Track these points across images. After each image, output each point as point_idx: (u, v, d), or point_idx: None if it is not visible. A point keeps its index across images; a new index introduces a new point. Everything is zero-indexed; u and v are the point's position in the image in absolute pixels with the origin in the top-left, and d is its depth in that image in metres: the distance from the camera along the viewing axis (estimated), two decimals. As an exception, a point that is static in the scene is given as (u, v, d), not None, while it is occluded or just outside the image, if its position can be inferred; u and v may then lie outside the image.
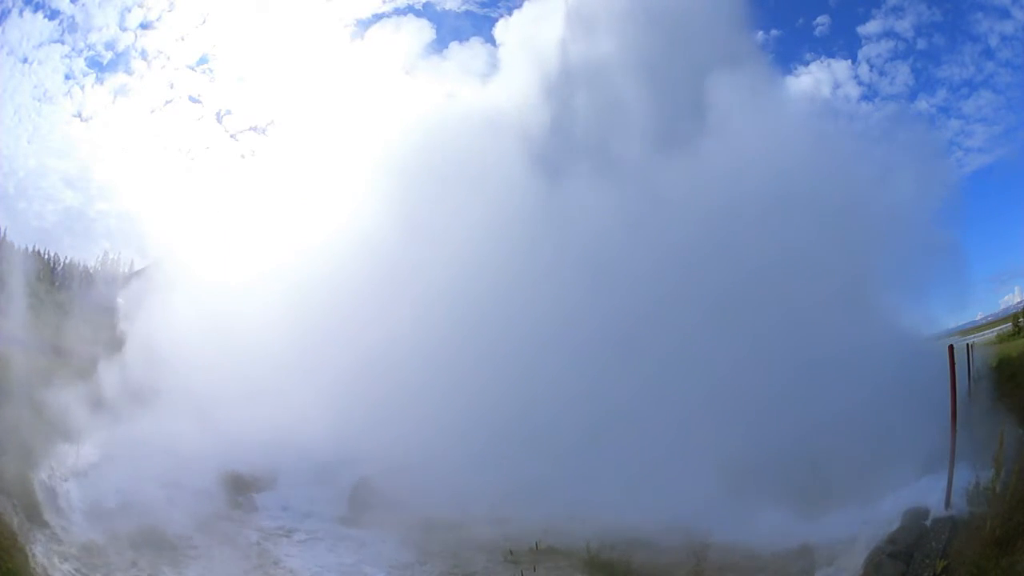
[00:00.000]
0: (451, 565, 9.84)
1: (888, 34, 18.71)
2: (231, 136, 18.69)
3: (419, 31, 18.50)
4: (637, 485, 11.25)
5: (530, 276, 14.67)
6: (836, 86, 18.87)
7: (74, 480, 11.22)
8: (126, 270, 16.72)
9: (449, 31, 19.10)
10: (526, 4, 18.17)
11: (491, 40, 18.39)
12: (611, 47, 16.98)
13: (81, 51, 18.33)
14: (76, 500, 10.73)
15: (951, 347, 9.25)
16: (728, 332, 13.23)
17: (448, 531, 10.63)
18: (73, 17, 18.12)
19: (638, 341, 13.51)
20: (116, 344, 13.83)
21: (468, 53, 18.01)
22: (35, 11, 17.65)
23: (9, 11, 17.31)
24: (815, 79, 18.68)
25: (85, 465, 11.77)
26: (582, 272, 14.69)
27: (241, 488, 12.48)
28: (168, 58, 19.13)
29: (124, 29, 18.64)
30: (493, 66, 17.72)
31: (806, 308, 13.50)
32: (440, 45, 18.60)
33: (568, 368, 13.48)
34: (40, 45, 17.82)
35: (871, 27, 18.82)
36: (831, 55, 18.91)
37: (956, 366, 9.25)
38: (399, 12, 18.61)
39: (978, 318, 18.28)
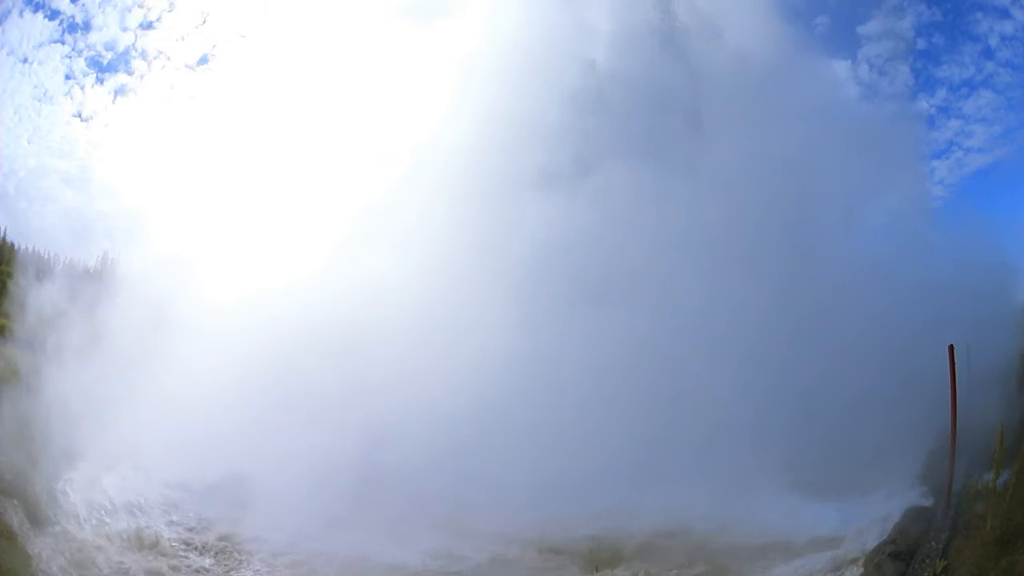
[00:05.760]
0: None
1: (888, 34, 18.68)
2: (232, 135, 18.62)
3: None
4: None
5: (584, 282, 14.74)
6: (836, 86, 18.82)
7: (75, 480, 11.21)
8: (126, 270, 16.66)
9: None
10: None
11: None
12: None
13: (81, 51, 18.34)
14: (78, 500, 10.72)
15: (951, 347, 9.26)
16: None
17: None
18: (73, 17, 18.13)
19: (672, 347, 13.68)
20: (118, 344, 13.77)
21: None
22: (35, 11, 17.65)
23: (9, 11, 17.31)
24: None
25: (87, 466, 11.77)
26: (625, 275, 14.79)
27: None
28: (168, 58, 19.13)
29: (124, 29, 18.64)
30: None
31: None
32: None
33: (575, 370, 13.59)
34: (40, 45, 17.82)
35: (871, 27, 18.80)
36: (831, 55, 18.88)
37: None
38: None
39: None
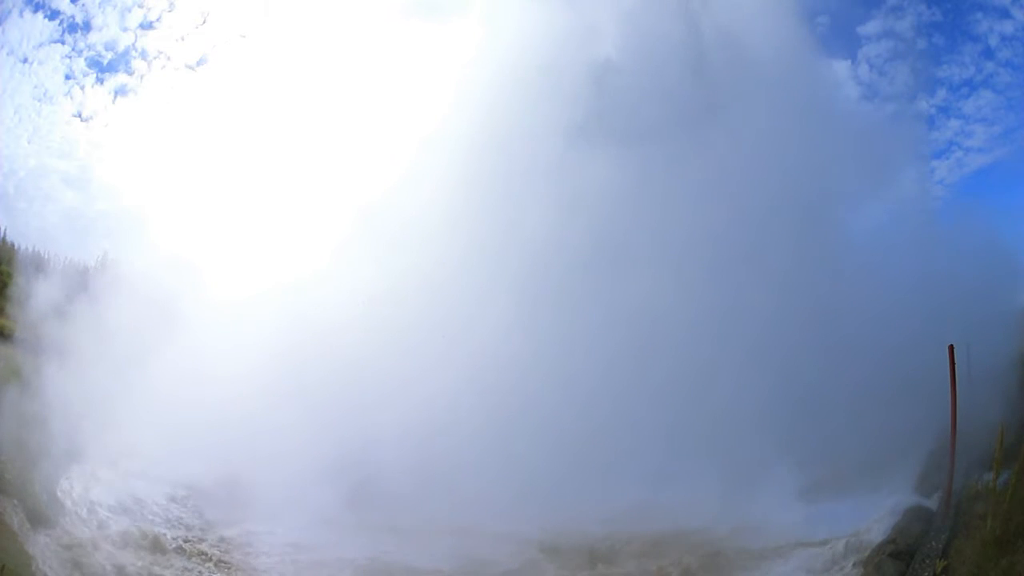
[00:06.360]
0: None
1: (888, 34, 18.67)
2: (232, 135, 18.61)
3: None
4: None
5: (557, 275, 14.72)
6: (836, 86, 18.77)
7: (76, 480, 11.20)
8: (127, 270, 16.64)
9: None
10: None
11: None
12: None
13: (81, 51, 18.31)
14: (78, 500, 10.70)
15: (951, 347, 9.27)
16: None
17: None
18: (73, 17, 18.11)
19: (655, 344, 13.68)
20: (118, 344, 13.76)
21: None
22: (35, 11, 17.63)
23: (9, 11, 17.29)
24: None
25: (87, 466, 11.75)
26: (606, 268, 14.77)
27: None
28: (168, 58, 19.10)
29: (124, 29, 18.62)
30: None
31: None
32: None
33: (579, 370, 13.58)
34: (40, 45, 17.80)
35: (871, 27, 18.78)
36: (831, 55, 18.86)
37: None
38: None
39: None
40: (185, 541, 10.63)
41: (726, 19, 16.97)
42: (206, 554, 10.38)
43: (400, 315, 14.54)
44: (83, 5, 18.15)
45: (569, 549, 10.74)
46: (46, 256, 17.68)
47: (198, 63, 19.27)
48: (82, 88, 18.46)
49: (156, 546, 10.25)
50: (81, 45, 18.24)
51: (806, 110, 16.69)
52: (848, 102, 18.67)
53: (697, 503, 11.32)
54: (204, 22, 19.25)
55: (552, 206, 15.60)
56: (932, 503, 9.87)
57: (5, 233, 17.56)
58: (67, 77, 18.24)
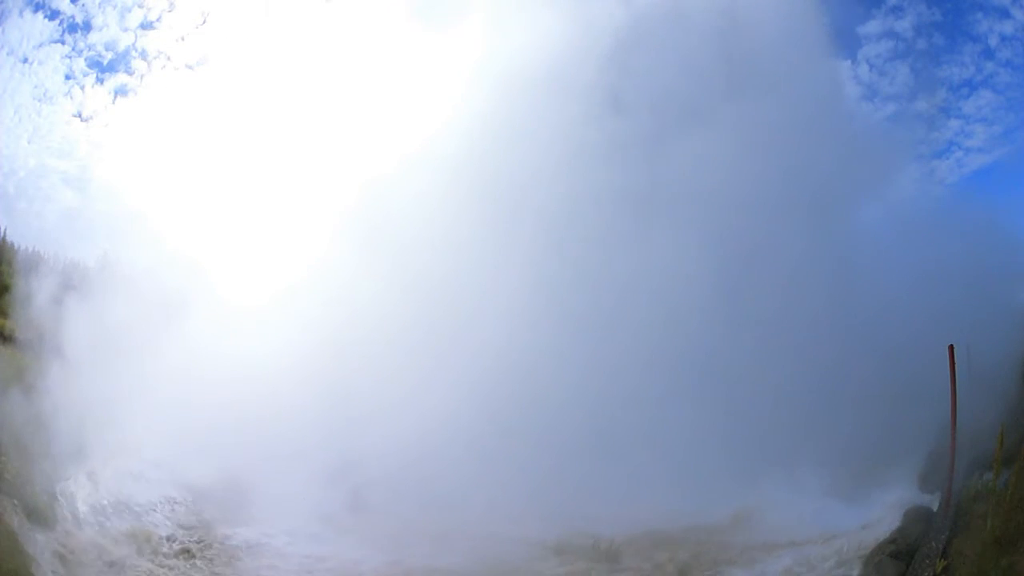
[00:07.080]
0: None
1: (888, 34, 18.71)
2: (232, 136, 18.59)
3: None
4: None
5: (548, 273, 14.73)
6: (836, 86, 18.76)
7: (76, 481, 11.19)
8: (126, 270, 16.64)
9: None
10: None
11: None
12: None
13: (81, 51, 18.36)
14: (78, 501, 10.69)
15: (951, 347, 9.27)
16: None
17: None
18: (73, 17, 18.14)
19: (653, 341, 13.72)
20: (118, 344, 13.75)
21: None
22: (35, 11, 17.67)
23: (9, 11, 17.32)
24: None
25: (87, 466, 11.74)
26: (598, 267, 14.76)
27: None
28: (168, 58, 19.13)
29: (124, 29, 18.65)
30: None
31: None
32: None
33: (588, 370, 13.64)
34: (40, 45, 17.83)
35: (871, 27, 18.82)
36: (831, 55, 18.84)
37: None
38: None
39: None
40: (187, 547, 10.58)
41: (731, 21, 16.99)
42: (211, 561, 10.33)
43: (401, 314, 14.55)
44: (83, 5, 18.19)
45: (578, 550, 10.71)
46: (46, 256, 17.68)
47: (198, 63, 19.34)
48: (82, 88, 18.52)
49: (157, 549, 10.24)
50: (81, 45, 18.31)
51: (812, 109, 16.70)
52: (848, 102, 18.76)
53: (707, 502, 11.42)
54: (204, 22, 19.31)
55: (554, 209, 15.62)
56: (932, 503, 9.88)
57: (5, 233, 17.57)
58: (67, 77, 18.31)
